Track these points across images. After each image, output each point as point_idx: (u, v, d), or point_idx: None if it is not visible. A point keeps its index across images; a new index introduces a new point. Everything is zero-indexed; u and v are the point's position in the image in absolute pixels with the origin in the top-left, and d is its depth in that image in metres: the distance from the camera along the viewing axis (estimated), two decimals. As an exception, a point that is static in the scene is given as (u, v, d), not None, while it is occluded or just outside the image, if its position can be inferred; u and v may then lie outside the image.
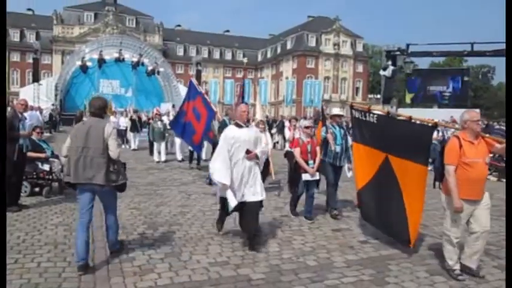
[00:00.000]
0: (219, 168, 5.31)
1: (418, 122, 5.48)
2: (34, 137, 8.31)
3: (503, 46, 19.65)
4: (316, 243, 5.74)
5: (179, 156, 14.47)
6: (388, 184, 5.64)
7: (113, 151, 4.65)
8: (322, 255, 5.29)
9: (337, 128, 7.37)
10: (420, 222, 5.55)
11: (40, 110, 24.26)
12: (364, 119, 6.12)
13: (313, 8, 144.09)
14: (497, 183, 11.95)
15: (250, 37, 76.29)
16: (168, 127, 14.71)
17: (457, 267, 4.71)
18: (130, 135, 18.89)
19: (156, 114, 15.96)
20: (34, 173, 8.12)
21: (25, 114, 7.99)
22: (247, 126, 5.61)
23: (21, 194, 7.62)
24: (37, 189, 8.18)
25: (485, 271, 4.84)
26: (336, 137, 7.24)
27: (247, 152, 5.35)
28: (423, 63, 71.61)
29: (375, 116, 5.98)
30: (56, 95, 33.52)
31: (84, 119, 19.95)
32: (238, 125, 5.54)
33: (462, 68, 37.74)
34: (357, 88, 68.40)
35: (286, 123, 18.19)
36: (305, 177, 6.78)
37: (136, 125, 18.66)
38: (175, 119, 11.61)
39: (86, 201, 4.64)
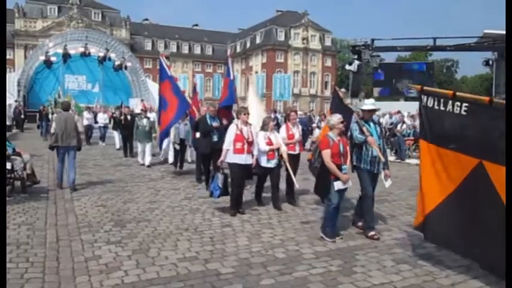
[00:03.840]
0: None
1: None
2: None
3: (463, 41, 20.23)
4: (285, 236, 5.77)
5: (171, 158, 12.03)
6: (481, 202, 4.17)
7: (79, 127, 8.44)
8: (291, 247, 5.32)
9: (372, 124, 6.01)
10: None
11: (2, 106, 23.42)
12: (443, 109, 4.47)
13: (281, 2, 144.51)
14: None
15: (219, 31, 75.88)
16: (157, 125, 12.36)
17: None
18: (114, 133, 17.11)
19: (142, 110, 14.19)
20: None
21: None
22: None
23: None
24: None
25: (448, 258, 4.98)
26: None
27: None
28: (390, 57, 73.00)
29: (465, 104, 4.28)
30: (18, 91, 32.43)
31: (55, 115, 19.43)
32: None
33: (427, 62, 38.62)
34: (326, 82, 69.12)
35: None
36: (338, 185, 5.47)
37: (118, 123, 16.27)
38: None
39: (63, 156, 8.58)
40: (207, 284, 4.20)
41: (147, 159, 12.30)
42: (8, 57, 54.52)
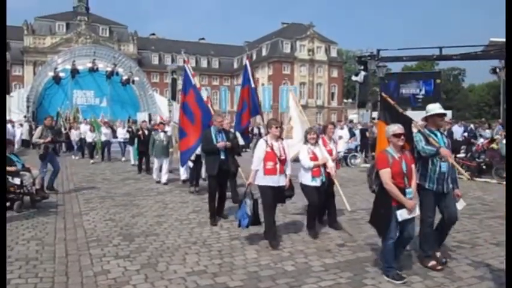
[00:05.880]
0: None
1: None
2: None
3: (469, 50, 20.25)
4: (294, 248, 5.73)
5: (183, 175, 11.45)
6: None
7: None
8: (300, 260, 5.28)
9: (438, 134, 4.98)
10: None
11: (12, 122, 23.50)
12: None
13: (287, 15, 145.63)
14: (468, 182, 12.18)
15: (225, 44, 76.50)
16: (174, 141, 11.84)
17: None
18: (129, 148, 16.43)
19: (160, 123, 13.06)
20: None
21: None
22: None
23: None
24: (8, 203, 7.94)
25: (459, 269, 4.92)
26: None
27: None
28: (396, 67, 73.12)
29: None
30: (27, 107, 32.82)
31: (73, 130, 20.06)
32: None
33: (434, 71, 38.59)
34: (332, 93, 69.31)
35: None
36: (401, 215, 4.41)
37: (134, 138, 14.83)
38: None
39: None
40: (216, 297, 4.17)
41: (165, 177, 11.40)
42: (17, 73, 55.49)
